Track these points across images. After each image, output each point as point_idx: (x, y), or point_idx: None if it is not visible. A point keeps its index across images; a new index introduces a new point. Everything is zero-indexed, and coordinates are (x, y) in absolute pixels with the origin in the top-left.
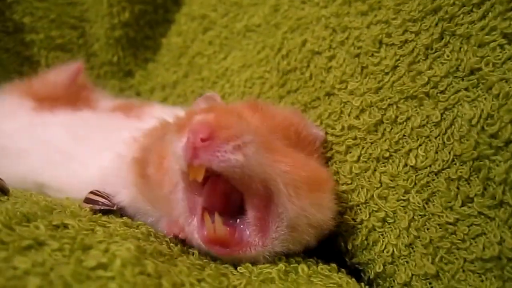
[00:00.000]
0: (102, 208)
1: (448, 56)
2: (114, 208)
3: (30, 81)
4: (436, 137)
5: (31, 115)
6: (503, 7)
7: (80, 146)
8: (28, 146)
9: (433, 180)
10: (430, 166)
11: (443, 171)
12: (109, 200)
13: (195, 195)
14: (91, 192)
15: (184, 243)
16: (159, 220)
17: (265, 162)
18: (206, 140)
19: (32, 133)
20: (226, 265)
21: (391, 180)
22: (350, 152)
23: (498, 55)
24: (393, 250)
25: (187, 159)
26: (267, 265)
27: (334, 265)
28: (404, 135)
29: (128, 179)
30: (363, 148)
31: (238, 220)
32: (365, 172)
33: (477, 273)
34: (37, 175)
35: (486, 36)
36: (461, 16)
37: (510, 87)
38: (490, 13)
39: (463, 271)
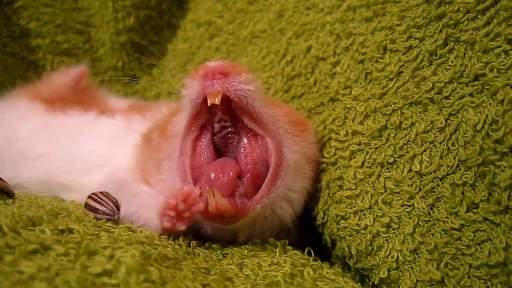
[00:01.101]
0: (103, 217)
1: (452, 62)
2: (115, 217)
3: (36, 84)
4: (440, 143)
5: (44, 116)
6: (507, 14)
7: (97, 147)
8: (46, 149)
9: (438, 185)
10: (434, 171)
11: (447, 177)
12: (108, 208)
13: (186, 158)
14: (90, 198)
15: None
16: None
17: (267, 102)
18: (222, 74)
19: (48, 135)
20: (232, 267)
21: (396, 186)
22: (354, 158)
23: (503, 61)
24: (397, 256)
25: (206, 87)
26: (273, 267)
27: (339, 269)
28: (409, 141)
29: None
30: (367, 153)
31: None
32: (370, 177)
33: (483, 279)
34: (57, 176)
35: (491, 42)
36: (466, 22)
37: None
38: (494, 20)
39: (469, 277)
